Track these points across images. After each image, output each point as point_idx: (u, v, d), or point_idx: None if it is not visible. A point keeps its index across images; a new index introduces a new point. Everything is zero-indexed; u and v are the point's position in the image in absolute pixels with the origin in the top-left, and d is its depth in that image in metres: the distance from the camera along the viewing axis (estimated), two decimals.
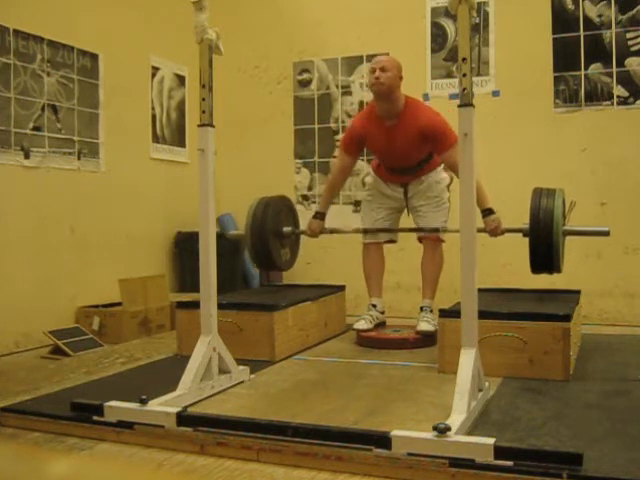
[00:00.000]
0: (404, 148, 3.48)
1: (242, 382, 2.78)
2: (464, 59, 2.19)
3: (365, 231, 3.78)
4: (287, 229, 3.80)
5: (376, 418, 2.25)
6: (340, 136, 4.90)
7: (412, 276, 4.05)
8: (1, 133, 3.58)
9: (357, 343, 3.62)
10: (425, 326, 3.51)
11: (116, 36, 4.37)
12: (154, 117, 4.79)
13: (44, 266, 3.84)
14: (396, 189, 3.73)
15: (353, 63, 5.02)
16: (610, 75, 4.30)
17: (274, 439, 1.98)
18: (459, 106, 2.22)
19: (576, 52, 4.38)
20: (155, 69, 4.79)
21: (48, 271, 3.86)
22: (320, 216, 3.76)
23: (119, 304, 4.00)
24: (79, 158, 4.09)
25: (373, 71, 3.41)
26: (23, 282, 3.71)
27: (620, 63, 4.27)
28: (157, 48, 4.76)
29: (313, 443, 1.94)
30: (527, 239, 3.10)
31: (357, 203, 4.80)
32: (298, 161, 5.20)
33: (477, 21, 4.57)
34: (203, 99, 2.60)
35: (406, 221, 3.81)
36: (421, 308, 3.63)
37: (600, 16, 4.33)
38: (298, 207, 4.99)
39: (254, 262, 3.87)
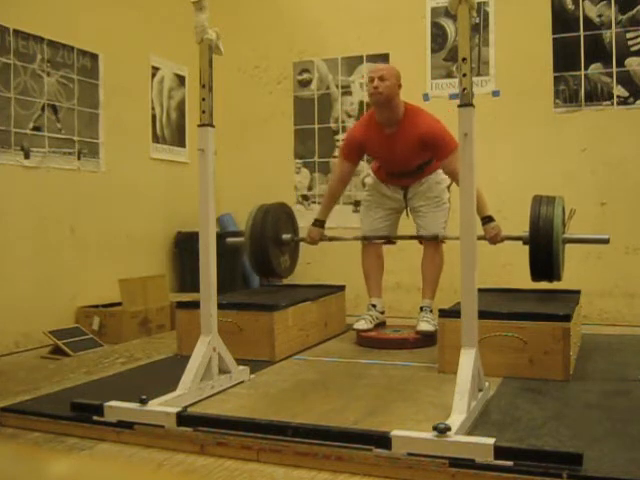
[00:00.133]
0: (404, 155, 3.48)
1: (242, 382, 2.78)
2: (464, 59, 2.19)
3: (365, 238, 3.77)
4: (286, 236, 3.81)
5: (376, 418, 2.25)
6: (340, 136, 4.91)
7: (412, 276, 4.05)
8: (1, 133, 3.58)
9: (357, 343, 3.62)
10: (425, 326, 3.51)
11: (116, 36, 4.37)
12: (154, 117, 4.79)
13: (44, 266, 3.84)
14: (396, 190, 3.73)
15: (353, 63, 5.02)
16: (610, 75, 4.30)
17: (274, 439, 1.98)
18: (459, 106, 2.22)
19: (576, 52, 4.37)
20: (155, 69, 4.79)
21: (48, 271, 3.86)
22: (319, 224, 3.75)
23: (119, 304, 4.01)
24: (79, 158, 4.09)
25: (372, 80, 3.38)
26: (23, 282, 3.71)
27: (620, 63, 4.27)
28: (157, 48, 4.76)
29: (313, 443, 1.94)
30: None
31: (357, 203, 4.80)
32: (298, 161, 5.20)
33: (477, 21, 4.57)
34: (203, 99, 2.60)
35: (406, 223, 3.81)
36: (421, 308, 3.63)
37: (600, 16, 4.32)
38: (298, 207, 5.00)
39: (254, 270, 3.88)
